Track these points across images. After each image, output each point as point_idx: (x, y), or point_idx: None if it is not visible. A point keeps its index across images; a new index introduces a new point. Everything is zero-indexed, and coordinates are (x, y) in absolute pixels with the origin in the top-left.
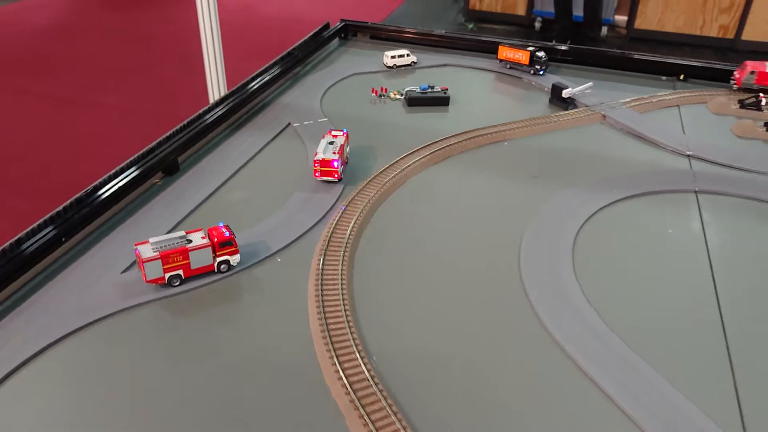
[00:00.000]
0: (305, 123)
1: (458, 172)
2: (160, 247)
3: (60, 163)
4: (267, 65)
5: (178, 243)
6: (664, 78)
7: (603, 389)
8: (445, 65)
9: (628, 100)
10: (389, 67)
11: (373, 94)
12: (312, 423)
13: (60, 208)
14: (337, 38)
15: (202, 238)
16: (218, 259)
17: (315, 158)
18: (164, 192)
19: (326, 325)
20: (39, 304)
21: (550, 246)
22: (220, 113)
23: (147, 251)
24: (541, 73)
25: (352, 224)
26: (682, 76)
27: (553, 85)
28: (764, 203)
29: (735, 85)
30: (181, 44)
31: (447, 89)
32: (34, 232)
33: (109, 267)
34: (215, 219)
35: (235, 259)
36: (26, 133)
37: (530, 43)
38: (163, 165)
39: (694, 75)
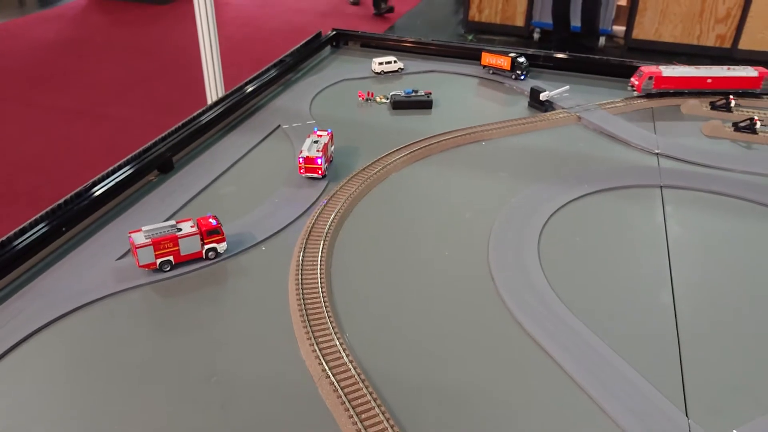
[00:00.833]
0: (294, 125)
1: (437, 170)
2: (152, 235)
3: (65, 173)
4: (260, 71)
5: (168, 231)
6: None
7: (562, 366)
8: (431, 71)
9: (604, 102)
10: (377, 73)
11: (360, 98)
12: (288, 390)
13: (61, 201)
14: (329, 46)
15: (191, 227)
16: (206, 247)
17: (300, 155)
18: (159, 188)
19: (304, 304)
20: (39, 287)
21: (517, 234)
22: (213, 115)
23: (140, 238)
24: (522, 78)
25: (332, 216)
26: None
27: (532, 89)
28: (726, 197)
29: (635, 92)
30: (184, 57)
31: (430, 93)
32: (36, 222)
33: (105, 254)
34: (206, 211)
35: (222, 247)
36: (32, 144)
37: (511, 50)
38: (159, 163)
39: None
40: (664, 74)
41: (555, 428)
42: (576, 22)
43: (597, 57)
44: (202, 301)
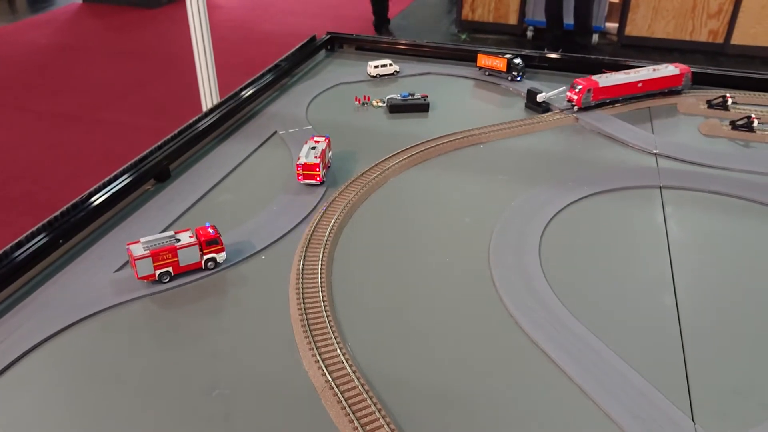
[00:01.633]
0: (291, 131)
1: (435, 174)
2: (151, 246)
3: (60, 179)
4: (255, 77)
5: (167, 242)
6: None
7: (566, 371)
8: (427, 74)
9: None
10: (373, 76)
11: (357, 103)
12: (291, 402)
13: (57, 213)
14: (323, 50)
15: (190, 237)
16: (205, 257)
17: (298, 162)
18: (156, 197)
19: (305, 314)
20: (37, 301)
21: (518, 238)
22: (210, 122)
23: (138, 250)
24: (519, 79)
25: (332, 223)
26: None
27: (528, 90)
28: (725, 197)
29: (575, 107)
30: (177, 60)
31: (427, 96)
32: (33, 235)
33: (102, 266)
34: (204, 221)
35: (221, 257)
36: (27, 150)
37: (506, 51)
38: (156, 172)
39: None
40: (602, 85)
41: None
42: (569, 19)
43: (593, 57)
44: (203, 312)
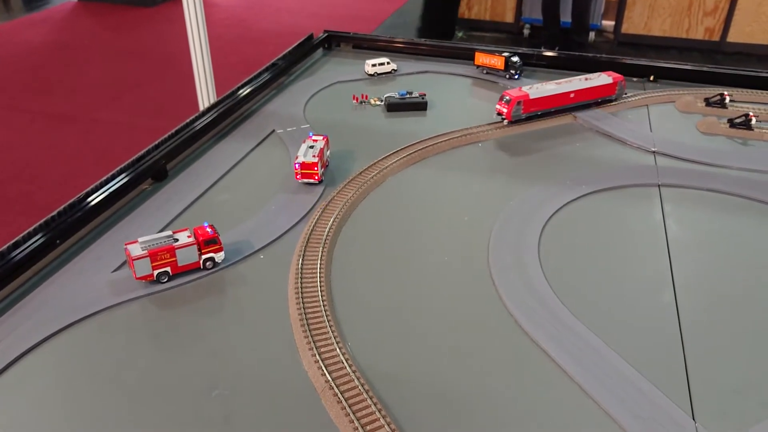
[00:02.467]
0: (288, 129)
1: (434, 172)
2: (149, 246)
3: (57, 179)
4: (252, 75)
5: (165, 242)
6: (634, 79)
7: (566, 370)
8: (424, 72)
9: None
10: (370, 74)
11: (354, 101)
12: (291, 402)
13: (54, 212)
14: (321, 48)
15: (188, 237)
16: (203, 257)
17: (296, 161)
18: (153, 196)
19: (305, 314)
20: (34, 302)
21: (517, 237)
22: (207, 121)
23: (136, 250)
24: (516, 77)
25: (330, 222)
26: (651, 77)
27: None
28: (723, 195)
29: (505, 120)
30: (174, 59)
31: (425, 95)
32: (30, 235)
33: (100, 266)
34: (202, 220)
35: (219, 257)
36: (23, 150)
37: (504, 49)
38: (153, 171)
39: (664, 76)
40: (532, 97)
41: None
42: (566, 17)
43: (590, 55)
44: (201, 312)
